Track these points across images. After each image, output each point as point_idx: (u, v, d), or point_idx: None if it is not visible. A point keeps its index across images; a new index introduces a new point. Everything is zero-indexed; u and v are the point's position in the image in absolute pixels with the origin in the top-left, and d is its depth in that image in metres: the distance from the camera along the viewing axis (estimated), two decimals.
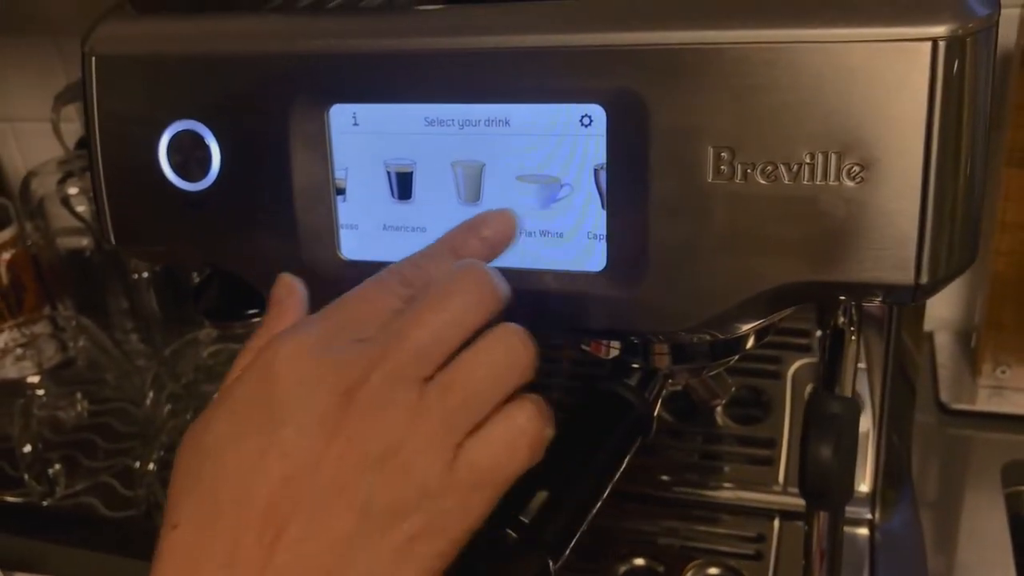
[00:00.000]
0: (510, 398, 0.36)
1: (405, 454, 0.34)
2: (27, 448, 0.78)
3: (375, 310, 0.37)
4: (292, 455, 0.34)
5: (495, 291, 0.37)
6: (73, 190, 0.95)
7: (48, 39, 1.05)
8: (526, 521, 0.42)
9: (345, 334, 0.36)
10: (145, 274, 0.94)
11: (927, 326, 0.84)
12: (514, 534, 0.41)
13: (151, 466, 0.79)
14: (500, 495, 0.36)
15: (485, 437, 0.35)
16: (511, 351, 0.36)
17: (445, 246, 0.40)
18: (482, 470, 0.35)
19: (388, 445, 0.34)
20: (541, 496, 0.43)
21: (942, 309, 0.92)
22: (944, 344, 0.91)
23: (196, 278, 0.85)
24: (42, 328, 0.91)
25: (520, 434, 0.36)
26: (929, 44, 0.35)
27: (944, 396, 0.84)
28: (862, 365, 0.61)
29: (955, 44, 0.35)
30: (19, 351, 0.87)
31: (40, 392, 0.84)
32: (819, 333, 0.73)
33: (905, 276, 0.37)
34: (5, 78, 1.10)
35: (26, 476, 0.78)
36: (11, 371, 0.86)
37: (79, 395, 0.85)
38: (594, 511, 0.45)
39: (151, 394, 0.84)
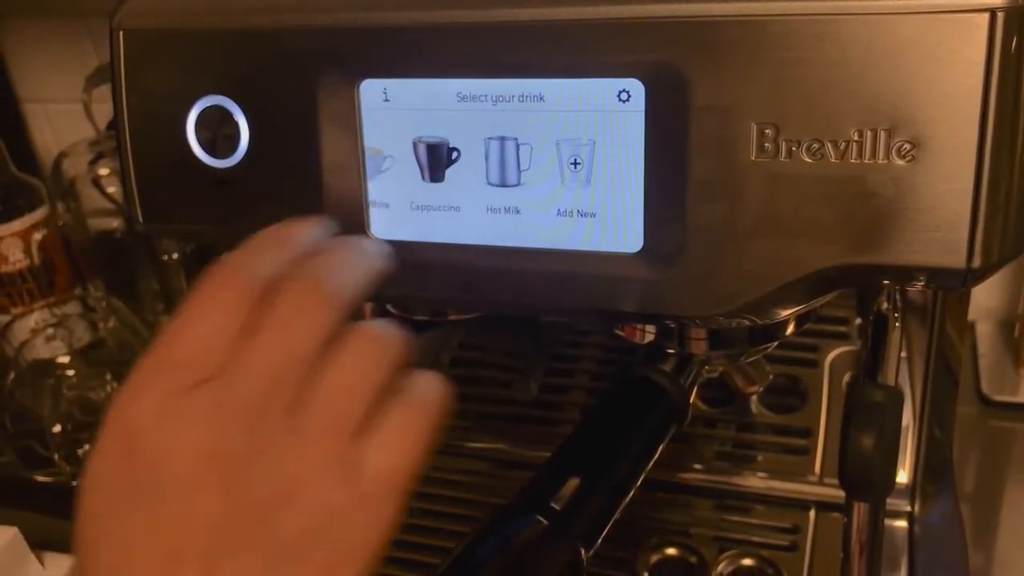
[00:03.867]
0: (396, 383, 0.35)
1: (298, 489, 0.32)
2: (57, 428, 0.78)
3: (213, 336, 0.34)
4: (177, 526, 0.32)
5: (335, 294, 0.34)
6: (104, 171, 0.96)
7: (79, 20, 1.05)
8: (557, 508, 0.41)
9: (189, 375, 0.33)
10: (175, 256, 0.94)
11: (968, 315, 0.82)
12: (545, 521, 0.41)
13: None
14: (407, 495, 0.34)
15: (379, 438, 0.33)
16: (373, 343, 0.34)
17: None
18: (381, 474, 0.33)
19: (276, 489, 0.32)
20: (573, 483, 0.42)
21: (984, 297, 0.90)
22: (986, 333, 0.89)
23: None
24: (72, 309, 0.91)
25: (415, 416, 0.34)
26: (987, 15, 0.33)
27: (985, 387, 0.83)
28: (903, 354, 0.59)
29: (1015, 15, 0.33)
30: (50, 331, 0.87)
31: (70, 372, 0.84)
32: (858, 320, 0.71)
33: (956, 260, 0.36)
34: (37, 60, 1.11)
35: (56, 456, 0.79)
36: (42, 351, 0.86)
37: (109, 376, 0.85)
38: (627, 500, 0.44)
39: None
